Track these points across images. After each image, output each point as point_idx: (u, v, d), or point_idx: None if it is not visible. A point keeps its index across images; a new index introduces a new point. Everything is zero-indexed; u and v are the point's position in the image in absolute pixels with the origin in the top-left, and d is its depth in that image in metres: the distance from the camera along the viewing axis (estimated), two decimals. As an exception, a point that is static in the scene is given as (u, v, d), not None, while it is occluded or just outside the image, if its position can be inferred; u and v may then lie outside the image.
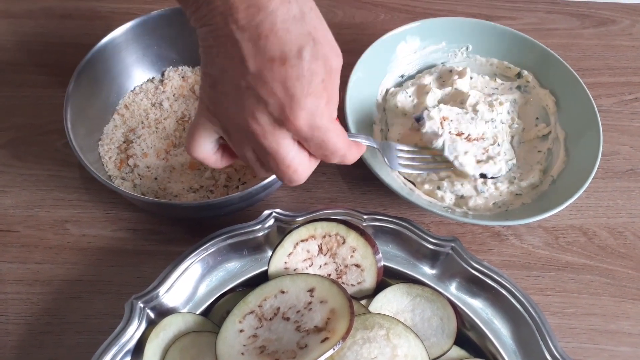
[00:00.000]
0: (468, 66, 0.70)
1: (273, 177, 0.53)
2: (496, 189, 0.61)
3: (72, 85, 0.58)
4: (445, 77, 0.70)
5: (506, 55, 0.71)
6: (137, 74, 0.67)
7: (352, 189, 0.64)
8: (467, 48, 0.71)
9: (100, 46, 0.61)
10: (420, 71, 0.72)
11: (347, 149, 0.42)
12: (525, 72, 0.70)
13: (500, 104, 0.65)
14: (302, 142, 0.40)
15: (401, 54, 0.70)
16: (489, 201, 0.60)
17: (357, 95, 0.64)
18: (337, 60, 0.38)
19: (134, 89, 0.67)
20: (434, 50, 0.71)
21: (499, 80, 0.70)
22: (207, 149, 0.44)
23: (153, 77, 0.68)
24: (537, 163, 0.64)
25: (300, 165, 0.41)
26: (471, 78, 0.70)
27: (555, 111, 0.66)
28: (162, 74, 0.69)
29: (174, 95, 0.67)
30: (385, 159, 0.58)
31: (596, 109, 0.62)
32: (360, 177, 0.64)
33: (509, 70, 0.71)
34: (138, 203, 0.57)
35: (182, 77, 0.68)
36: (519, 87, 0.70)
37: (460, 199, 0.60)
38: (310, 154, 0.42)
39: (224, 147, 0.45)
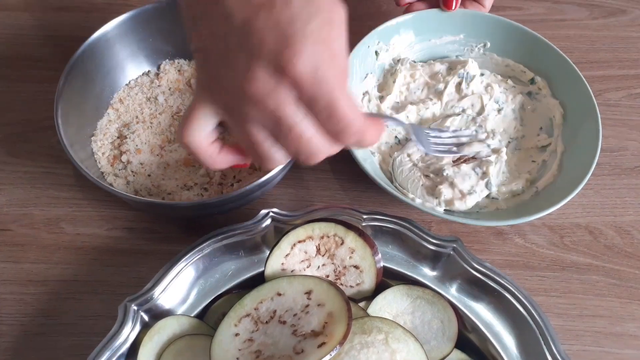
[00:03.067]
0: (483, 63, 0.68)
1: (270, 174, 0.52)
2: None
3: (63, 80, 0.56)
4: (453, 66, 0.68)
5: (524, 58, 0.67)
6: (132, 67, 0.66)
7: (351, 186, 0.63)
8: (484, 45, 0.68)
9: (93, 40, 0.59)
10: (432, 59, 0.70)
11: (362, 123, 0.35)
12: (539, 79, 0.67)
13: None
14: (309, 105, 0.34)
15: (397, 45, 0.68)
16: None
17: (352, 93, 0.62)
18: (337, 11, 0.33)
19: (129, 82, 0.66)
20: (451, 42, 0.69)
21: (510, 82, 0.68)
22: (202, 135, 0.37)
23: (148, 71, 0.67)
24: (526, 172, 0.61)
25: (314, 137, 0.35)
26: (482, 74, 0.68)
27: (561, 124, 0.63)
28: (158, 67, 0.67)
29: (169, 89, 0.66)
30: (418, 143, 0.54)
31: (600, 131, 0.58)
32: (359, 174, 0.62)
33: (523, 74, 0.68)
34: (131, 202, 0.56)
35: (178, 71, 0.67)
36: (529, 93, 0.67)
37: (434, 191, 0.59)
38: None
39: (222, 145, 0.40)
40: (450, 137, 0.59)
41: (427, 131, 0.57)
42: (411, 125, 0.54)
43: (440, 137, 0.58)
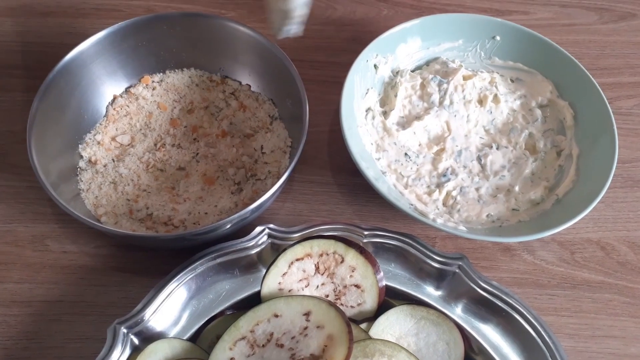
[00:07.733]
0: (483, 68, 0.67)
1: (266, 196, 0.50)
2: (492, 196, 0.58)
3: (36, 103, 0.55)
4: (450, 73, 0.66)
5: (528, 60, 0.66)
6: (111, 85, 0.63)
7: (352, 199, 0.61)
8: (485, 48, 0.67)
9: (72, 57, 0.57)
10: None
11: None
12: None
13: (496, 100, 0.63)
14: None
15: (402, 54, 0.65)
16: (482, 212, 0.57)
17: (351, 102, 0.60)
18: None
19: (112, 101, 0.63)
20: (449, 48, 0.67)
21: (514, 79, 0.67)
22: None
23: (130, 86, 0.64)
24: (544, 179, 0.60)
25: None
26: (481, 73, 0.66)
27: (573, 125, 0.62)
28: (142, 83, 0.64)
29: (158, 108, 0.63)
30: None
31: (615, 131, 0.57)
32: (361, 187, 0.61)
33: None
34: (113, 234, 0.54)
35: (165, 90, 0.64)
36: None
37: (451, 208, 0.57)
38: None
39: None
40: None
41: None
42: None
43: None
